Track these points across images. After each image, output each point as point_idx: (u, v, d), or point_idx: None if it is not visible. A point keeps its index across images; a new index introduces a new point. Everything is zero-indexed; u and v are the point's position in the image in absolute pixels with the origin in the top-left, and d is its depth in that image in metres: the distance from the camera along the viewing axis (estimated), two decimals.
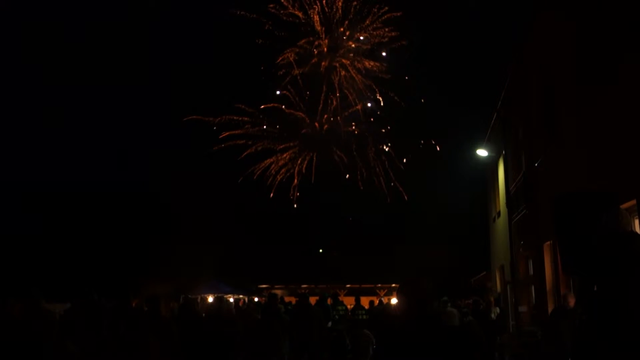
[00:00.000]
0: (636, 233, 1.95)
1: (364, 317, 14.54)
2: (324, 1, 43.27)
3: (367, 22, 43.71)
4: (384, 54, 43.78)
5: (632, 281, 1.81)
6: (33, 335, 4.05)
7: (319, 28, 43.76)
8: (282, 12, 42.88)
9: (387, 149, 45.50)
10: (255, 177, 45.19)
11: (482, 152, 18.43)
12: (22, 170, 44.51)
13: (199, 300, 18.95)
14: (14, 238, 36.04)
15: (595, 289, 1.90)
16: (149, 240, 37.38)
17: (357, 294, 18.11)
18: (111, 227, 39.50)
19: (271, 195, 44.41)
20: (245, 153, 44.88)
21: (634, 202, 6.41)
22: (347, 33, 44.55)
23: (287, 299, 22.31)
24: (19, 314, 4.85)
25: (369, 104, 45.12)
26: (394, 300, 21.88)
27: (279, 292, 27.68)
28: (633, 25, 6.40)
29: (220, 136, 44.30)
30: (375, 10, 43.17)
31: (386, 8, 42.80)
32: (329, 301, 14.95)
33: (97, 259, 35.88)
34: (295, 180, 45.55)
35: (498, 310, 14.27)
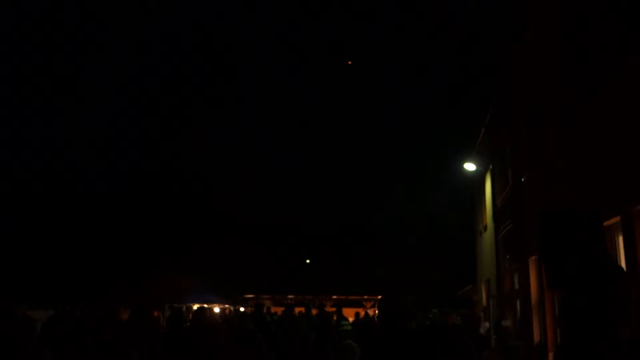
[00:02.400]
0: (609, 257, 1.98)
1: (348, 327, 14.49)
2: None
3: None
4: None
5: (607, 300, 1.84)
6: (9, 344, 3.99)
7: None
8: None
9: None
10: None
11: (469, 166, 18.54)
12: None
13: (184, 309, 18.78)
14: None
15: (574, 307, 1.93)
16: (137, 249, 37.11)
17: (340, 305, 17.99)
18: (102, 235, 39.21)
19: None
20: None
21: (618, 218, 6.48)
22: None
23: (273, 309, 22.22)
24: None
25: None
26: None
27: (266, 302, 27.53)
28: (613, 47, 6.51)
29: None
30: None
31: None
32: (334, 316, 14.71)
33: (85, 265, 35.53)
34: None
35: (487, 325, 14.20)
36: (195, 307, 22.81)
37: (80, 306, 8.92)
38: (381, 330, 3.33)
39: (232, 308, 26.83)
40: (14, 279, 28.76)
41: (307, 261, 44.92)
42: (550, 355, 9.57)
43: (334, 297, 34.41)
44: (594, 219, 2.03)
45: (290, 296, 33.93)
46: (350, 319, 15.46)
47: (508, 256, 14.39)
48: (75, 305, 9.13)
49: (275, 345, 10.28)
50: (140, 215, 40.85)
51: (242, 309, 26.24)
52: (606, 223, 6.55)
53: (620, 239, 6.54)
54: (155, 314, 12.24)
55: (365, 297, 34.30)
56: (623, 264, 6.27)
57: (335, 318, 15.41)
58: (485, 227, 18.67)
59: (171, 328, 7.72)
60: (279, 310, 21.59)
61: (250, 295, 34.47)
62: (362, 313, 19.10)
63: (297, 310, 14.96)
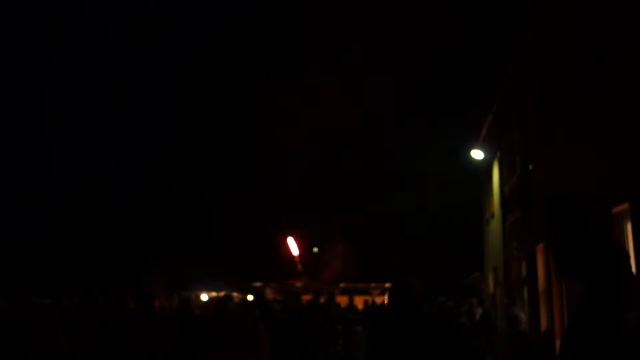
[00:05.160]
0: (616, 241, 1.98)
1: (357, 316, 14.61)
2: None
3: None
4: None
5: (614, 285, 1.84)
6: (22, 330, 4.03)
7: None
8: None
9: None
10: None
11: (476, 154, 18.46)
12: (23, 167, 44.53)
13: (192, 297, 18.91)
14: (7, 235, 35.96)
15: (583, 292, 1.92)
16: (145, 237, 37.31)
17: (351, 293, 18.14)
18: (110, 223, 39.43)
19: None
20: None
21: (626, 205, 6.44)
22: None
23: (280, 297, 22.32)
24: (6, 310, 4.84)
25: None
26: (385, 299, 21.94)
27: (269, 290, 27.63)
28: (622, 36, 6.43)
29: None
30: None
31: None
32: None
33: (94, 254, 35.78)
34: None
35: (481, 310, 14.32)
36: (203, 295, 22.96)
37: (86, 295, 8.98)
38: (393, 316, 3.38)
39: (240, 296, 26.96)
40: (19, 268, 29.01)
41: (315, 249, 45.03)
42: (558, 343, 9.58)
43: (342, 284, 34.51)
44: (601, 204, 2.01)
45: (298, 284, 34.06)
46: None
47: (515, 244, 14.37)
48: (80, 294, 9.20)
49: (283, 333, 10.34)
50: (148, 204, 41.04)
51: (250, 297, 26.39)
52: (615, 210, 6.52)
53: (629, 226, 6.51)
54: (158, 303, 12.30)
55: (372, 284, 34.38)
56: (631, 252, 6.24)
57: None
58: (493, 215, 18.64)
59: (180, 316, 7.79)
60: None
61: (258, 284, 34.63)
62: (370, 300, 19.17)
63: (304, 298, 15.03)
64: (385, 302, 19.08)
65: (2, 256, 31.70)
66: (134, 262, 32.82)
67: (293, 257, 37.40)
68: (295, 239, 37.87)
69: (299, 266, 37.28)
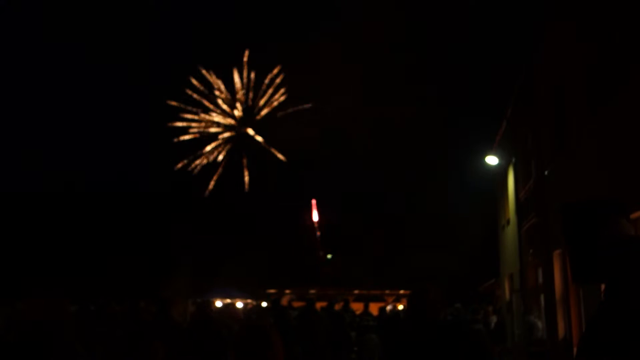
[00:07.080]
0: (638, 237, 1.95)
1: (371, 323, 14.56)
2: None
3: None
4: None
5: (633, 290, 1.82)
6: (44, 336, 4.07)
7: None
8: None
9: None
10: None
11: (491, 160, 18.36)
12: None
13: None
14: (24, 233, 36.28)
15: (602, 295, 1.91)
16: (161, 245, 37.53)
17: (366, 300, 18.13)
18: (127, 230, 39.71)
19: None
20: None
21: None
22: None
23: (295, 304, 22.29)
24: (31, 313, 4.88)
25: None
26: (400, 307, 21.86)
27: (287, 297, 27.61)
28: (635, 41, 6.38)
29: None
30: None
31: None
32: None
33: (110, 261, 36.03)
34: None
35: (495, 319, 14.20)
36: (217, 302, 23.00)
37: (101, 302, 9.06)
38: (410, 322, 3.40)
39: (254, 303, 26.96)
40: (33, 274, 29.27)
41: (329, 256, 45.00)
42: (576, 350, 9.46)
43: (356, 291, 34.40)
44: (620, 210, 1.99)
45: (312, 291, 34.00)
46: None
47: (531, 250, 14.24)
48: (99, 301, 9.29)
49: (299, 339, 10.36)
50: (161, 211, 41.29)
51: (264, 304, 26.37)
52: (633, 215, 6.45)
53: None
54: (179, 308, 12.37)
55: (387, 291, 34.23)
56: None
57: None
58: (508, 221, 18.50)
59: (196, 322, 7.81)
60: (302, 304, 21.62)
61: (272, 290, 34.60)
62: (384, 306, 19.11)
63: (318, 305, 15.02)
64: (399, 308, 19.00)
65: (27, 256, 32.02)
66: (152, 269, 33.01)
67: (314, 223, 37.89)
68: (317, 209, 38.37)
69: (318, 233, 37.69)
